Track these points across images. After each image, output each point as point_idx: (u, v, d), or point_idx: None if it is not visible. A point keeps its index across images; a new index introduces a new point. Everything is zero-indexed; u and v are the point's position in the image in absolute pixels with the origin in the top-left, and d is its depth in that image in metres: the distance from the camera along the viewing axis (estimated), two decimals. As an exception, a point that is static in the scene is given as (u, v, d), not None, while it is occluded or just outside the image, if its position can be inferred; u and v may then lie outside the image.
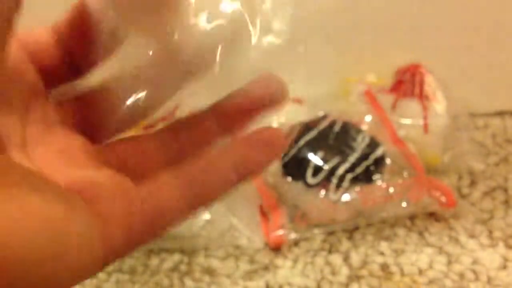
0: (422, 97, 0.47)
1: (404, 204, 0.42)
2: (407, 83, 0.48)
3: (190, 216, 0.23)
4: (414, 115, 0.47)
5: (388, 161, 0.43)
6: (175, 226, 0.22)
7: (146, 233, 0.21)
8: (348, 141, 0.43)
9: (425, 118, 0.47)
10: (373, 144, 0.43)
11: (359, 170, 0.41)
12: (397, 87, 0.49)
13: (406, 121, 0.46)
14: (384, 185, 0.41)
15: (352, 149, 0.42)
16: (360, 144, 0.43)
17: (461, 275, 0.37)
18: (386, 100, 0.48)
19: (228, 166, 0.23)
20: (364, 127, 0.46)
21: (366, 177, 0.41)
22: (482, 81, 0.55)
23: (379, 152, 0.43)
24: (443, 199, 0.42)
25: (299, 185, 0.41)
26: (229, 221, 0.40)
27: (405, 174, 0.42)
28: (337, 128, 0.44)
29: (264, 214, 0.41)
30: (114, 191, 0.21)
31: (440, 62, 0.50)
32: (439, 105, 0.48)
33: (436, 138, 0.47)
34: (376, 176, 0.42)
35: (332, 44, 0.54)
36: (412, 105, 0.48)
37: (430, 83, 0.48)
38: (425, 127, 0.47)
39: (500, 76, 0.55)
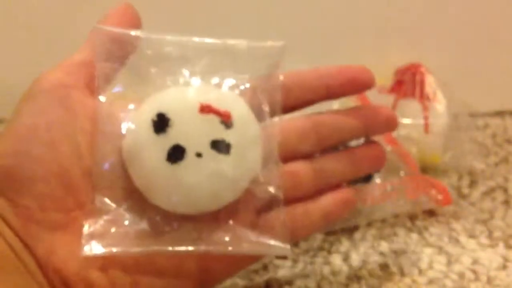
0: (423, 97, 0.47)
1: (402, 202, 0.42)
2: (408, 83, 0.48)
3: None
4: (415, 115, 0.47)
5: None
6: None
7: None
8: None
9: (425, 118, 0.47)
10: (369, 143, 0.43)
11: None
12: (398, 87, 0.49)
13: (407, 121, 0.46)
14: (382, 184, 0.41)
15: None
16: (357, 143, 0.42)
17: (461, 275, 0.37)
18: (387, 100, 0.48)
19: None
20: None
21: (364, 176, 0.41)
22: (482, 81, 0.55)
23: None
24: (439, 197, 0.42)
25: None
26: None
27: (401, 172, 0.42)
28: None
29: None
30: None
31: (440, 62, 0.50)
32: (439, 105, 0.48)
33: (436, 138, 0.47)
34: (373, 175, 0.42)
35: (332, 43, 0.54)
36: (412, 105, 0.48)
37: (431, 83, 0.48)
38: (426, 127, 0.47)
39: (500, 76, 0.55)
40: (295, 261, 0.38)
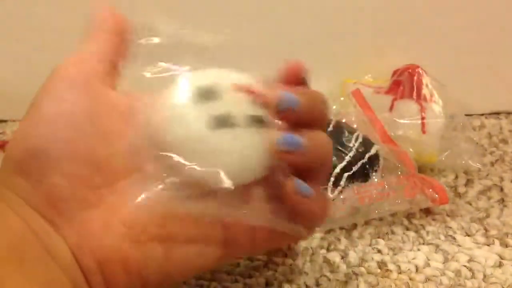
0: (420, 97, 0.48)
1: (399, 201, 0.42)
2: (405, 83, 0.48)
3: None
4: (412, 116, 0.47)
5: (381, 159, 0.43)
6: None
7: None
8: (342, 140, 0.43)
9: (422, 118, 0.47)
10: (367, 143, 0.43)
11: (355, 168, 0.42)
12: (395, 87, 0.49)
13: (404, 121, 0.47)
14: (379, 183, 0.42)
15: (347, 148, 0.42)
16: (355, 143, 0.43)
17: (457, 273, 0.37)
18: (384, 100, 0.49)
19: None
20: (355, 126, 0.46)
21: (362, 175, 0.42)
22: (478, 82, 0.55)
23: (373, 150, 0.43)
24: (436, 196, 0.43)
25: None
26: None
27: (399, 172, 0.43)
28: (330, 127, 0.44)
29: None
30: None
31: (437, 63, 0.50)
32: (436, 106, 0.48)
33: (433, 138, 0.47)
34: (371, 174, 0.42)
35: (331, 45, 0.54)
36: (409, 106, 0.48)
37: (428, 84, 0.48)
38: (423, 127, 0.47)
39: (496, 77, 0.56)
40: (294, 259, 0.38)
